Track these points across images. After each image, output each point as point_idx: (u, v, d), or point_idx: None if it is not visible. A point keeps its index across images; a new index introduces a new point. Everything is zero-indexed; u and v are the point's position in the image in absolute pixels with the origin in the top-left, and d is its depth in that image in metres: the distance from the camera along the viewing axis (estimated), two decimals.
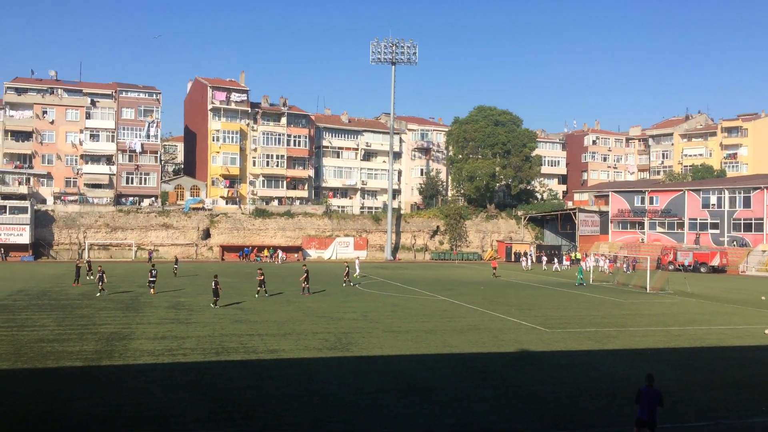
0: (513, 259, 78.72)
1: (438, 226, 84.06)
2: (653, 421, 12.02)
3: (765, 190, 71.13)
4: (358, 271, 48.49)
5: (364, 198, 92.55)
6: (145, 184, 77.05)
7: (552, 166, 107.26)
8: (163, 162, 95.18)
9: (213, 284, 29.08)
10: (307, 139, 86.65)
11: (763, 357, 21.02)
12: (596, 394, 16.07)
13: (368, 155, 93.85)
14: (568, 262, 66.28)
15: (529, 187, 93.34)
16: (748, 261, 68.38)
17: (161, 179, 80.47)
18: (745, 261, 68.58)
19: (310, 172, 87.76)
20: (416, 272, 58.90)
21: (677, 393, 16.18)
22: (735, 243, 72.80)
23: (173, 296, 33.47)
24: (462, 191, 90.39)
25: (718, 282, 55.53)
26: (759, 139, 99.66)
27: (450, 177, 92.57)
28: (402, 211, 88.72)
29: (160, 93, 79.26)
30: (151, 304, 30.13)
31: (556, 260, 65.32)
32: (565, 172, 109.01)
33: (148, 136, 76.94)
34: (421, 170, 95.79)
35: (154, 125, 77.16)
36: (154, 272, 34.91)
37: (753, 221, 72.00)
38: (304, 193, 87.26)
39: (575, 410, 14.54)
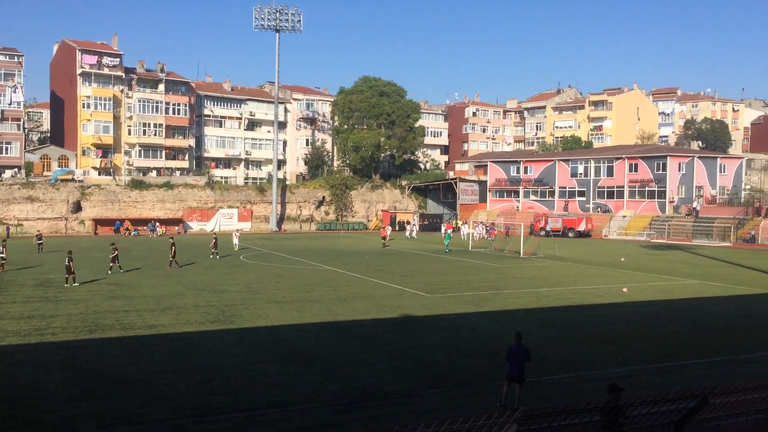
0: (397, 228, 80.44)
1: (324, 197, 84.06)
2: (522, 376, 12.91)
3: (626, 160, 77.53)
4: (236, 243, 47.52)
5: (248, 169, 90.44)
6: (6, 153, 71.09)
7: (435, 137, 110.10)
8: (26, 130, 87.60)
9: (66, 260, 27.16)
10: (188, 108, 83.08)
11: (621, 314, 23.08)
12: (472, 354, 16.98)
13: (252, 125, 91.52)
14: (450, 230, 68.87)
15: (413, 158, 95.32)
16: (611, 226, 74.41)
17: (25, 148, 74.37)
18: (607, 226, 74.55)
19: (191, 142, 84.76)
20: (302, 243, 58.85)
21: (544, 349, 17.45)
22: (599, 209, 78.88)
23: (39, 273, 31.31)
24: (347, 161, 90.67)
25: (584, 246, 60.01)
26: (622, 113, 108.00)
27: (335, 147, 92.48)
28: (287, 182, 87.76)
29: (22, 56, 72.65)
30: (15, 282, 28.06)
31: (407, 227, 67.84)
32: (447, 143, 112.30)
33: (9, 102, 70.39)
34: (307, 140, 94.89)
35: (16, 90, 70.57)
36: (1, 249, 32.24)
37: (615, 189, 78.35)
38: (185, 164, 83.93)
39: (452, 369, 15.29)
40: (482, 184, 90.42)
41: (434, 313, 22.20)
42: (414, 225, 73.18)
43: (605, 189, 79.22)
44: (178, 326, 19.63)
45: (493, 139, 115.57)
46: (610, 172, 78.51)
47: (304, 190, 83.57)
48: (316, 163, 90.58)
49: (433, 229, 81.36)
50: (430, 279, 31.66)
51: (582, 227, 71.41)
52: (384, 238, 54.03)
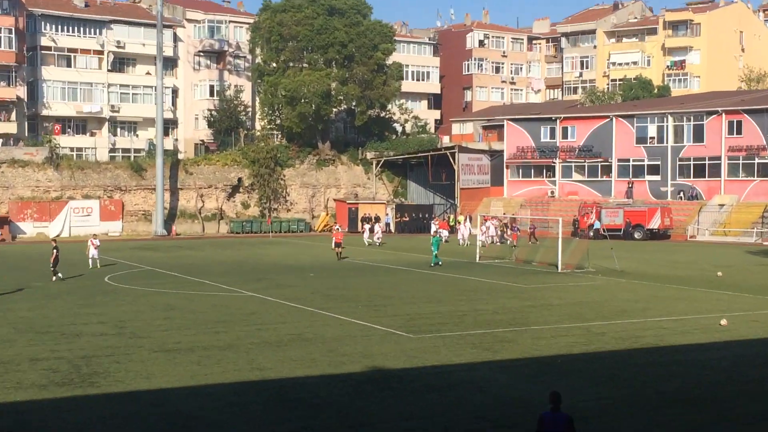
0: (359, 228, 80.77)
1: (240, 179, 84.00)
2: None
3: (723, 115, 78.98)
4: (93, 255, 46.86)
5: (115, 134, 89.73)
6: None
7: (418, 80, 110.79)
8: None
9: None
10: (13, 35, 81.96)
11: (718, 360, 23.33)
12: (482, 428, 17.04)
13: (121, 63, 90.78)
14: (446, 232, 69.24)
15: (384, 115, 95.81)
16: (700, 220, 75.73)
17: None
18: (695, 221, 75.85)
19: (20, 92, 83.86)
20: (205, 254, 58.68)
21: (597, 418, 17.57)
22: (682, 195, 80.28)
23: None
24: (278, 122, 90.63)
25: (659, 252, 60.75)
26: (715, 40, 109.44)
27: (259, 99, 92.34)
28: (181, 155, 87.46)
29: None
30: None
31: (367, 228, 68.09)
32: (438, 90, 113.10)
33: None
34: (212, 88, 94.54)
35: None
36: None
37: (707, 162, 79.72)
38: (11, 127, 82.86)
39: None
40: (496, 156, 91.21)
41: (421, 365, 22.25)
42: (382, 224, 73.55)
43: (690, 162, 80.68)
44: (2, 394, 19.34)
45: (513, 83, 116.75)
46: (698, 136, 80.00)
47: (208, 169, 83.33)
48: (227, 125, 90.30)
49: (418, 230, 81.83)
50: (414, 309, 31.72)
51: (655, 223, 72.61)
52: (339, 244, 54.34)
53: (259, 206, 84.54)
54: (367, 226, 69.58)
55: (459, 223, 72.90)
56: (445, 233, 67.54)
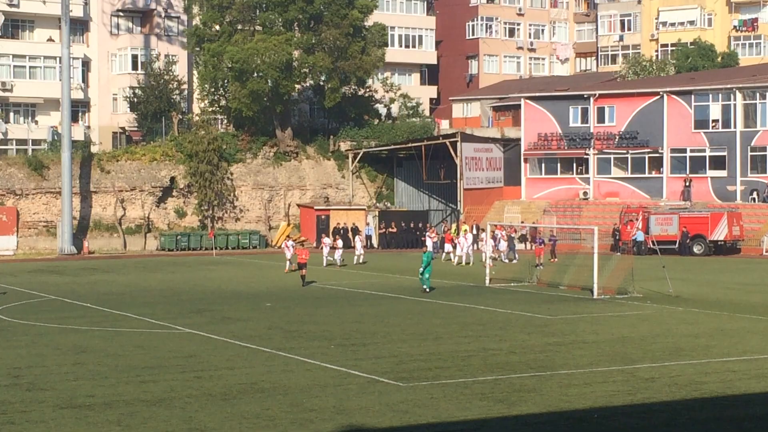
0: (331, 242, 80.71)
1: (173, 179, 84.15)
2: None
3: None
4: None
5: (7, 121, 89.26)
6: None
7: (408, 47, 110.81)
8: None
9: None
10: None
11: None
12: None
13: (14, 26, 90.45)
14: (449, 246, 69.30)
15: (362, 93, 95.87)
16: None
17: None
18: None
19: None
20: (128, 278, 58.64)
21: None
22: (756, 195, 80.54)
23: None
24: (223, 103, 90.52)
25: (726, 272, 60.71)
26: None
27: (197, 73, 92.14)
28: (95, 148, 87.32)
29: None
30: None
31: (328, 243, 67.01)
32: (434, 60, 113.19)
33: None
34: (135, 59, 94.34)
35: None
36: None
37: None
38: None
39: None
40: (511, 146, 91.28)
41: (413, 422, 22.17)
42: (362, 236, 73.47)
43: (766, 152, 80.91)
44: None
45: (532, 50, 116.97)
46: None
47: (131, 166, 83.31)
48: (155, 107, 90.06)
49: (409, 244, 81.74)
50: (404, 349, 31.65)
51: (720, 233, 72.86)
52: (303, 265, 53.85)
53: (198, 214, 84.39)
54: (327, 241, 68.43)
55: (464, 233, 72.92)
56: (448, 248, 67.73)
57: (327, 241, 68.02)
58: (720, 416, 22.88)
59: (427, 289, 48.70)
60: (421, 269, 49.25)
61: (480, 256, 64.04)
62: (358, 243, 68.53)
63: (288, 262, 60.26)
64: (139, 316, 40.58)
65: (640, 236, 72.17)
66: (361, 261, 66.91)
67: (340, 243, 66.81)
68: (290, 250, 60.71)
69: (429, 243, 68.94)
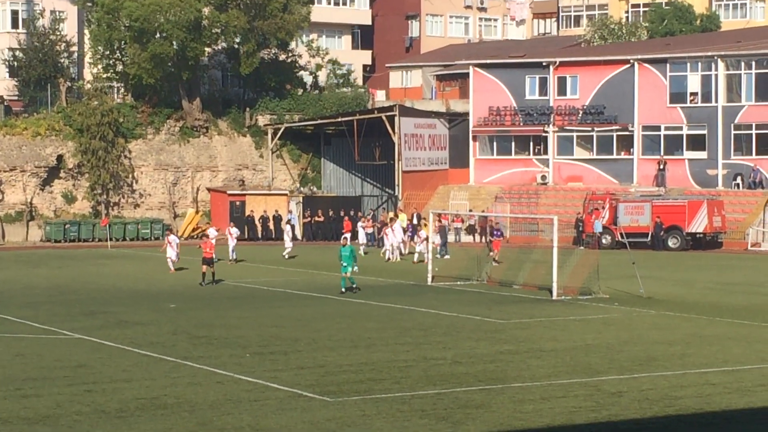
0: (246, 234, 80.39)
1: (61, 157, 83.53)
2: None
3: None
4: None
5: None
6: None
7: (338, 4, 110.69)
8: None
9: None
10: None
11: None
12: None
13: None
14: (369, 229, 69.39)
15: (284, 58, 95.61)
16: (767, 220, 76.66)
17: None
18: (759, 220, 76.79)
19: None
20: (7, 274, 58.39)
21: None
22: (740, 181, 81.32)
23: None
24: (120, 68, 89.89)
25: (705, 269, 61.20)
26: None
27: (89, 33, 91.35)
28: None
29: None
30: None
31: (234, 229, 66.23)
32: (369, 21, 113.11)
33: None
34: (15, 15, 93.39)
35: None
36: None
37: None
38: None
39: None
40: (457, 121, 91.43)
41: None
42: (292, 223, 73.33)
43: (752, 131, 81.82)
44: None
45: (482, 10, 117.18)
46: (763, 91, 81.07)
47: (10, 142, 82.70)
48: (39, 72, 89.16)
49: (340, 236, 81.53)
50: (332, 359, 31.68)
51: (699, 225, 73.50)
52: (209, 260, 52.93)
53: (90, 199, 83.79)
54: (234, 231, 67.20)
55: (400, 222, 72.99)
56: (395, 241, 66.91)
57: (234, 231, 67.39)
58: None
59: (344, 289, 48.66)
60: (345, 268, 49.03)
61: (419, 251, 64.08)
62: (287, 234, 68.32)
63: (169, 261, 58.94)
64: (19, 318, 40.17)
65: (599, 226, 72.65)
66: (288, 256, 66.70)
67: (234, 232, 66.21)
68: (174, 247, 59.03)
69: (361, 234, 68.95)
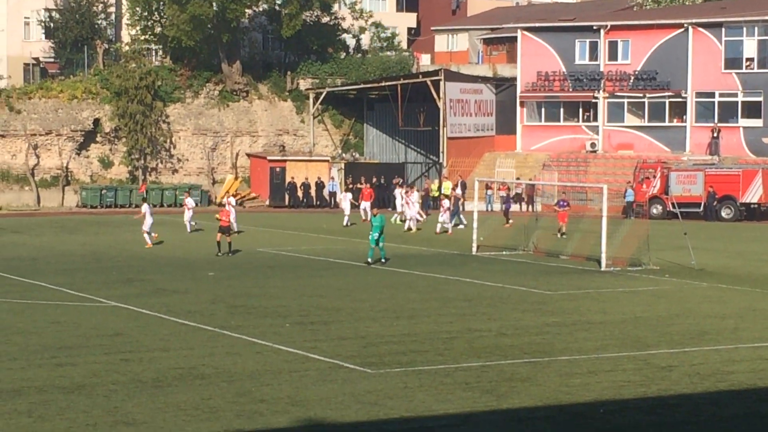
0: (288, 201, 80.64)
1: (98, 121, 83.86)
2: None
3: None
4: None
5: None
6: None
7: None
8: None
9: None
10: None
11: None
12: None
13: None
14: (416, 204, 69.36)
15: (327, 20, 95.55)
16: None
17: None
18: None
19: None
20: (42, 240, 58.64)
21: None
22: None
23: None
24: (158, 30, 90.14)
25: (760, 241, 60.78)
26: None
27: None
28: (3, 82, 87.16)
29: None
30: None
31: (188, 200, 64.53)
32: None
33: None
34: None
35: None
36: None
37: None
38: None
39: None
40: (505, 86, 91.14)
41: (384, 416, 22.20)
42: (335, 189, 73.22)
43: None
44: None
45: None
46: None
47: (46, 105, 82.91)
48: (76, 34, 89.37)
49: (383, 203, 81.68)
50: (374, 329, 31.80)
51: (754, 195, 73.06)
52: (225, 228, 51.84)
53: (127, 165, 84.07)
54: (190, 202, 64.80)
55: (446, 190, 72.82)
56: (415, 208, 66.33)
57: (189, 202, 64.60)
58: (749, 412, 23.00)
59: (370, 260, 48.15)
60: (375, 235, 48.14)
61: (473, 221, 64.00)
62: (346, 202, 67.94)
63: (146, 235, 55.87)
64: (55, 285, 40.41)
65: (630, 196, 72.34)
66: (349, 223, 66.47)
67: (190, 203, 64.24)
68: (147, 215, 55.55)
69: (398, 200, 68.34)
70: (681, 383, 25.25)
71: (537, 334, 31.16)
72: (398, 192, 72.08)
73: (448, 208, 63.74)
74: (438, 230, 63.34)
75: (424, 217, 67.46)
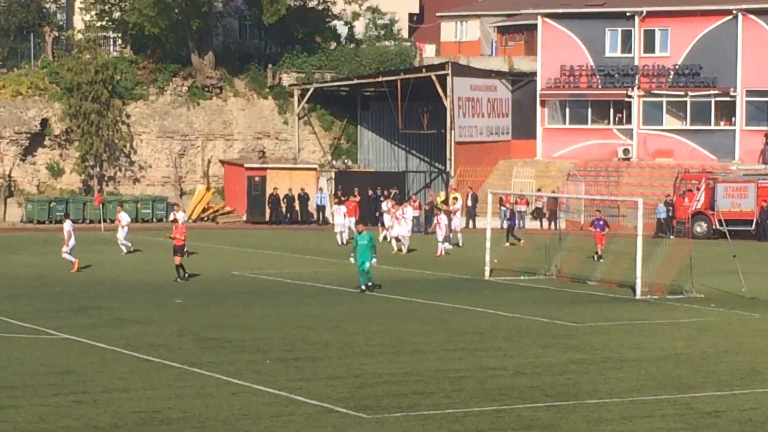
0: (269, 216, 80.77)
1: (46, 122, 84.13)
2: None
3: None
4: None
5: None
6: None
7: None
8: None
9: None
10: None
11: None
12: None
13: None
14: (416, 212, 69.41)
15: (315, 4, 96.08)
16: None
17: None
18: None
19: None
20: None
21: None
22: None
23: None
24: (117, 15, 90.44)
25: None
26: None
27: None
28: None
29: None
30: None
31: (122, 215, 63.59)
32: None
33: None
34: None
35: None
36: None
37: None
38: None
39: None
40: (522, 82, 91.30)
41: None
42: (324, 199, 73.34)
43: None
44: None
45: None
46: None
47: None
48: (20, 20, 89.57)
49: (376, 218, 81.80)
50: (369, 367, 31.86)
51: None
52: (179, 248, 51.77)
53: (80, 173, 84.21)
54: (123, 216, 63.96)
55: (450, 202, 72.92)
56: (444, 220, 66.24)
57: (123, 217, 63.75)
58: None
59: (363, 287, 47.77)
60: (361, 263, 47.75)
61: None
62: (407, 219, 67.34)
63: (68, 257, 55.74)
64: None
65: (662, 211, 72.49)
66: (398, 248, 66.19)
67: (124, 218, 63.23)
68: (70, 238, 55.45)
69: (410, 213, 68.25)
70: (730, 431, 25.28)
71: (561, 374, 31.19)
72: (386, 205, 71.78)
73: (447, 225, 63.97)
74: (440, 252, 63.47)
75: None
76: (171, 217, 64.40)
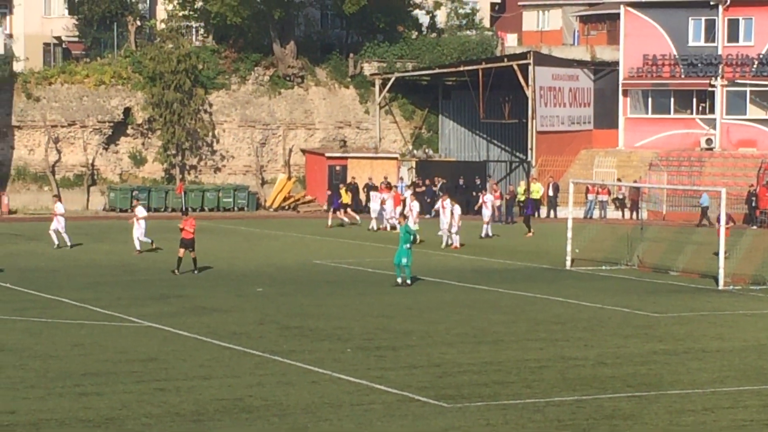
0: (364, 202, 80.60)
1: (128, 110, 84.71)
2: None
3: None
4: None
5: None
6: None
7: None
8: None
9: None
10: None
11: None
12: None
13: None
14: (497, 201, 69.10)
15: None
16: None
17: None
18: None
19: None
20: (63, 249, 59.06)
21: None
22: None
23: None
24: (200, 5, 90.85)
25: None
26: None
27: None
28: (19, 66, 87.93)
29: None
30: None
31: (139, 209, 61.27)
32: None
33: None
34: None
35: None
36: None
37: None
38: None
39: None
40: (605, 71, 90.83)
41: None
42: (401, 192, 73.22)
43: None
44: None
45: None
46: None
47: (69, 92, 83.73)
48: (104, 10, 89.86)
49: (462, 207, 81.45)
50: (450, 356, 31.85)
51: None
52: (188, 242, 50.29)
53: (162, 161, 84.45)
54: (141, 211, 60.68)
55: (532, 190, 72.58)
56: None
57: (59, 207, 60.95)
58: None
59: (400, 281, 46.52)
60: (402, 253, 46.21)
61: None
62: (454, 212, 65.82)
63: (137, 241, 57.36)
64: (78, 302, 40.57)
65: (706, 200, 71.84)
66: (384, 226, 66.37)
67: (140, 212, 59.87)
68: (139, 225, 57.06)
69: (489, 199, 67.78)
70: None
71: (642, 364, 31.02)
72: (489, 194, 70.89)
73: (492, 216, 64.03)
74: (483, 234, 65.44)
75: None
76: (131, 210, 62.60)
